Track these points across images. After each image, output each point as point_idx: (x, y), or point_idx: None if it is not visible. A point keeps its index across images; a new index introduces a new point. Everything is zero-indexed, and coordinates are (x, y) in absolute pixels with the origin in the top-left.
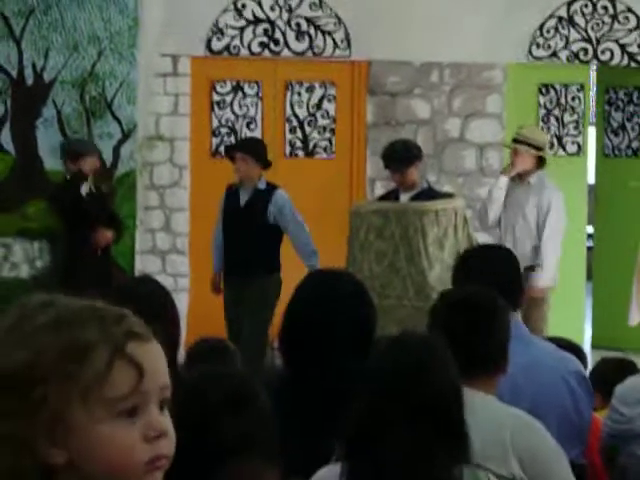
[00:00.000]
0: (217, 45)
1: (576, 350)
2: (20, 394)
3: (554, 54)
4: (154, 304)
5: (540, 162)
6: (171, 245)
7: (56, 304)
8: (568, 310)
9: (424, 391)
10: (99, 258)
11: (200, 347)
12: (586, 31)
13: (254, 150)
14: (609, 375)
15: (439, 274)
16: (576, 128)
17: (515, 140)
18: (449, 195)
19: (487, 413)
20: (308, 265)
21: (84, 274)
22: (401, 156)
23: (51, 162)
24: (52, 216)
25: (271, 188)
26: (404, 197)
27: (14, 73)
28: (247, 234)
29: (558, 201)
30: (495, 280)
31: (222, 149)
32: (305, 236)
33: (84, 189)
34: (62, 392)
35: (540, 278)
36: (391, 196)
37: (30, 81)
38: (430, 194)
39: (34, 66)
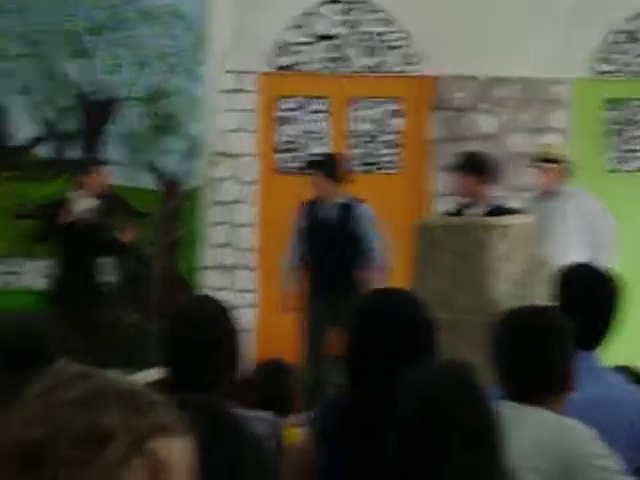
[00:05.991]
0: (283, 61)
1: None
2: (31, 470)
3: (620, 69)
4: (214, 325)
5: (565, 174)
6: (237, 261)
7: (90, 379)
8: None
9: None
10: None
11: (258, 371)
12: None
13: (323, 167)
14: None
15: (505, 290)
16: None
17: (539, 159)
18: (517, 211)
19: (538, 424)
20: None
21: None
22: (474, 163)
23: (120, 178)
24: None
25: (353, 202)
26: (472, 212)
27: (84, 90)
28: (331, 250)
29: (596, 202)
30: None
31: (290, 165)
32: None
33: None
34: (72, 477)
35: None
36: (459, 211)
37: (97, 98)
38: (499, 211)
39: (103, 83)
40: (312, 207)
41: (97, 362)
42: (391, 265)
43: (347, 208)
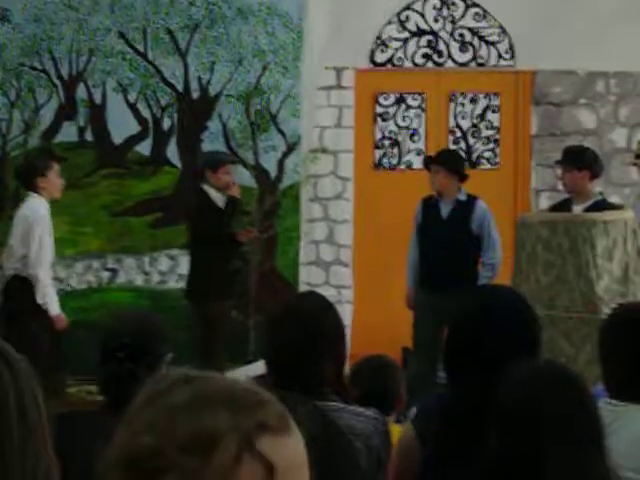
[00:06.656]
0: (381, 57)
1: None
2: (141, 479)
3: None
4: (319, 322)
5: None
6: (335, 257)
7: (194, 382)
8: None
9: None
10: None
11: (361, 366)
12: None
13: (446, 163)
14: None
15: (607, 285)
16: None
17: (637, 155)
18: (619, 207)
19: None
20: (483, 277)
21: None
22: (579, 158)
23: None
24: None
25: (472, 199)
26: (577, 208)
27: (180, 87)
28: (450, 246)
29: None
30: None
31: (388, 161)
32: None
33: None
34: None
35: None
36: (563, 207)
37: (196, 95)
38: (601, 206)
39: (200, 80)
40: (430, 203)
41: (206, 357)
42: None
43: (466, 205)
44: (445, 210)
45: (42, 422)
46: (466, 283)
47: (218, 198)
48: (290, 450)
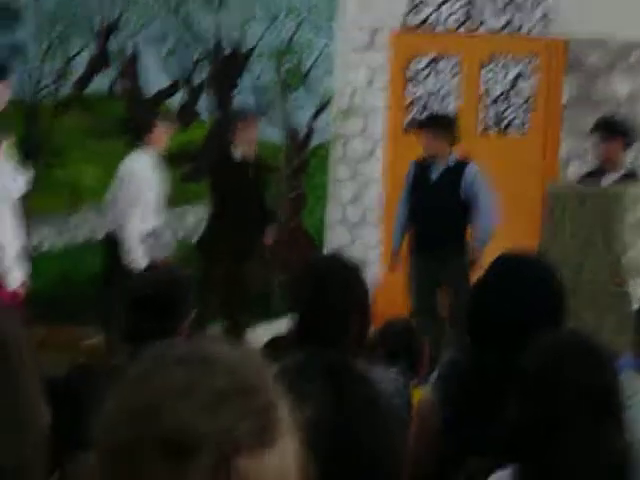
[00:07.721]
0: (415, 19)
1: None
2: (118, 470)
3: None
4: (344, 280)
5: None
6: (361, 217)
7: (188, 366)
8: None
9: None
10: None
11: (386, 328)
12: None
13: (439, 126)
14: None
15: (634, 258)
16: None
17: None
18: None
19: None
20: (476, 240)
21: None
22: (614, 127)
23: None
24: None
25: (462, 163)
26: (608, 178)
27: (212, 43)
28: (438, 209)
29: None
30: None
31: (414, 123)
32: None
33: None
34: None
35: None
36: (594, 176)
37: (228, 51)
38: (633, 177)
39: (232, 36)
40: (422, 166)
41: (229, 313)
42: (496, 226)
43: (455, 169)
44: (435, 174)
45: (25, 368)
46: (456, 246)
47: (237, 153)
48: (271, 465)
